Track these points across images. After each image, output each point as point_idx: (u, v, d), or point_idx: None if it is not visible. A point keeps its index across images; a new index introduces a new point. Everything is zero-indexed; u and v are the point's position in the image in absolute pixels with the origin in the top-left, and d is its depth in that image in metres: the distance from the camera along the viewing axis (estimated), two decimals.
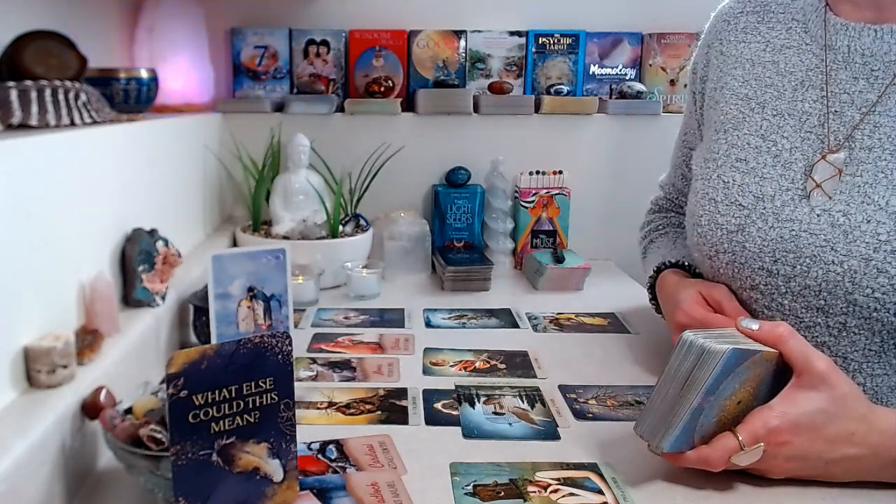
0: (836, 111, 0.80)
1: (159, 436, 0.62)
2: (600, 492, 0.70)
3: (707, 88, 0.97)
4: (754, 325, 0.71)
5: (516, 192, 1.55)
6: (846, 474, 0.69)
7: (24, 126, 0.82)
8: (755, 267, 0.82)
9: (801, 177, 0.81)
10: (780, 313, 0.82)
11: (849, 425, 0.67)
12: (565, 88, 1.61)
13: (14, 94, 0.82)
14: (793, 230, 0.79)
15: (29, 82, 0.84)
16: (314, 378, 0.96)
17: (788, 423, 0.67)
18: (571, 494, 0.69)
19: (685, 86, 1.53)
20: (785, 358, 0.70)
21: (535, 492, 0.70)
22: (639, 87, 1.61)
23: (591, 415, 0.87)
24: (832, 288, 0.76)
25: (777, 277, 0.81)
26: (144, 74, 1.22)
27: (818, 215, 0.78)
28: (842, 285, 0.76)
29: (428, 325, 1.19)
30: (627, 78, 1.68)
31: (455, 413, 0.86)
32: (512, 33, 1.65)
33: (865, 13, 0.81)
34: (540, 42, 1.66)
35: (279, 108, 1.58)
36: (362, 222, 1.47)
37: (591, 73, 1.68)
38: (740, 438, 0.67)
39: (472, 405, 0.89)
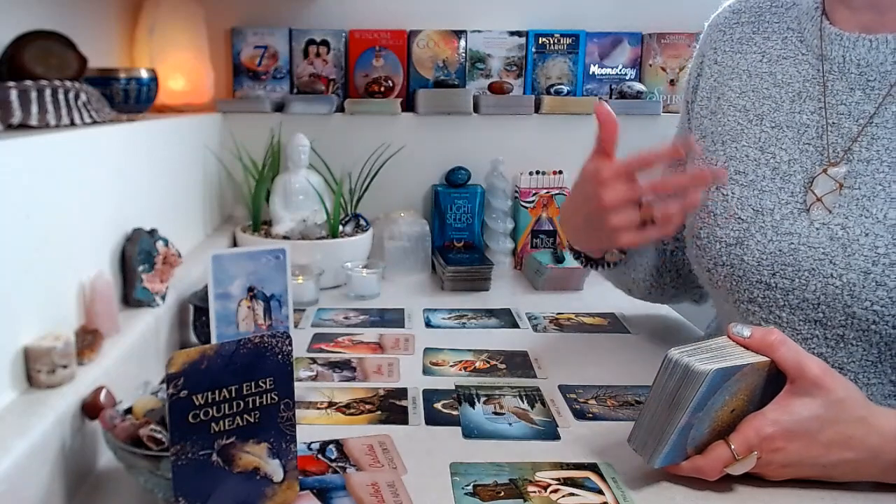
0: (833, 123, 0.80)
1: (159, 436, 0.62)
2: (600, 492, 0.70)
3: (697, 97, 0.96)
4: (746, 332, 0.70)
5: (516, 192, 1.55)
6: (846, 476, 0.69)
7: (24, 126, 0.82)
8: (753, 280, 0.82)
9: (801, 190, 0.80)
10: (778, 326, 0.81)
11: (846, 430, 0.67)
12: (565, 88, 1.61)
13: (14, 94, 0.82)
14: (791, 243, 0.79)
15: (29, 82, 0.84)
16: (314, 378, 0.96)
17: (781, 431, 0.66)
18: (571, 494, 0.69)
19: None
20: (778, 365, 0.68)
21: (535, 492, 0.70)
22: (639, 87, 1.61)
23: (591, 415, 0.87)
24: (830, 301, 0.76)
25: (775, 291, 0.80)
26: (144, 74, 1.22)
27: (817, 229, 0.78)
28: (840, 298, 0.75)
29: (428, 325, 1.19)
30: (627, 78, 1.68)
31: (455, 413, 0.86)
32: (512, 33, 1.65)
33: (863, 18, 0.80)
34: (540, 42, 1.66)
35: (279, 108, 1.58)
36: (362, 222, 1.47)
37: (591, 73, 1.68)
38: (733, 448, 0.67)
39: (472, 405, 0.88)
